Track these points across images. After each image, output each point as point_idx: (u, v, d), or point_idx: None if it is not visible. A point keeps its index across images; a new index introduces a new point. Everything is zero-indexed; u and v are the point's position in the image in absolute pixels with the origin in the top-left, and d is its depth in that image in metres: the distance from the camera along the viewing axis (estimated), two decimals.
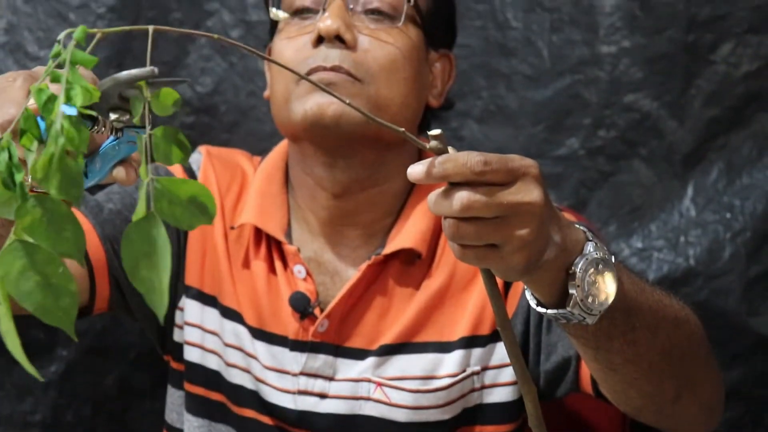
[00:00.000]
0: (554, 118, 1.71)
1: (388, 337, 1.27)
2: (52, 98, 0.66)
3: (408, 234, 1.27)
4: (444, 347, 1.27)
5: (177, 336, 1.35)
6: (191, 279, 1.32)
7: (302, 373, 1.27)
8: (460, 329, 1.26)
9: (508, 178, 0.83)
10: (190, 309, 1.32)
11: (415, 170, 0.83)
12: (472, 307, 1.27)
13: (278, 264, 1.30)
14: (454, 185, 0.83)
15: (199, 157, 1.39)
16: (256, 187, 1.34)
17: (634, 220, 1.70)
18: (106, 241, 1.28)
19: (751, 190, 1.65)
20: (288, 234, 1.31)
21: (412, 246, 1.27)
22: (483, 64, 1.73)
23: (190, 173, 1.37)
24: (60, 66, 0.68)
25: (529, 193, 0.84)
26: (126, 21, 1.78)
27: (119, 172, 0.87)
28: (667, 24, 1.66)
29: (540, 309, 0.94)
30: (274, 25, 1.34)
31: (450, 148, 0.84)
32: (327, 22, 1.23)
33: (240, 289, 1.31)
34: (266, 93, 1.35)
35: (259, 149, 1.80)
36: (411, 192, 1.32)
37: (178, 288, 1.33)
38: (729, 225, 1.65)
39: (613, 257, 0.94)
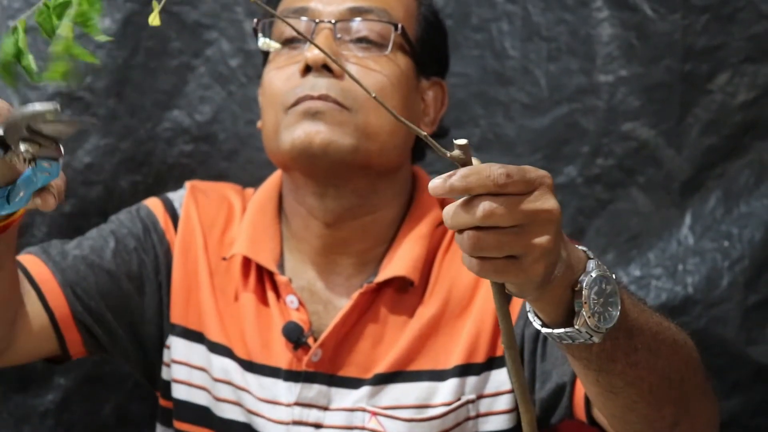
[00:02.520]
0: (552, 147, 1.72)
1: (382, 366, 1.27)
2: None
3: (400, 262, 1.27)
4: (438, 375, 1.27)
5: (165, 374, 1.35)
6: (176, 317, 1.32)
7: (296, 404, 1.27)
8: (455, 357, 1.26)
9: (527, 189, 0.84)
10: (177, 347, 1.32)
11: (437, 184, 0.83)
12: (466, 334, 1.26)
13: (270, 294, 1.30)
14: (474, 196, 0.83)
15: (182, 192, 1.39)
16: (248, 218, 1.34)
17: (632, 248, 1.70)
18: (66, 286, 1.28)
19: (749, 219, 1.65)
20: (280, 264, 1.31)
21: (404, 274, 1.27)
22: (481, 93, 1.73)
23: (171, 209, 1.36)
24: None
25: (546, 201, 0.85)
26: (125, 50, 1.79)
27: (38, 199, 0.90)
28: (664, 53, 1.66)
29: (545, 330, 0.94)
30: (266, 54, 1.35)
31: (474, 159, 0.84)
32: (314, 52, 1.24)
33: (229, 323, 1.30)
34: (259, 123, 1.36)
35: (258, 177, 1.81)
36: (403, 220, 1.32)
37: (164, 326, 1.33)
38: (727, 253, 1.65)
39: (614, 275, 0.94)
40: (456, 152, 0.83)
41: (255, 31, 1.34)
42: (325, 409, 1.27)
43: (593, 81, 1.69)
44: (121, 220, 1.36)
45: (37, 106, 0.83)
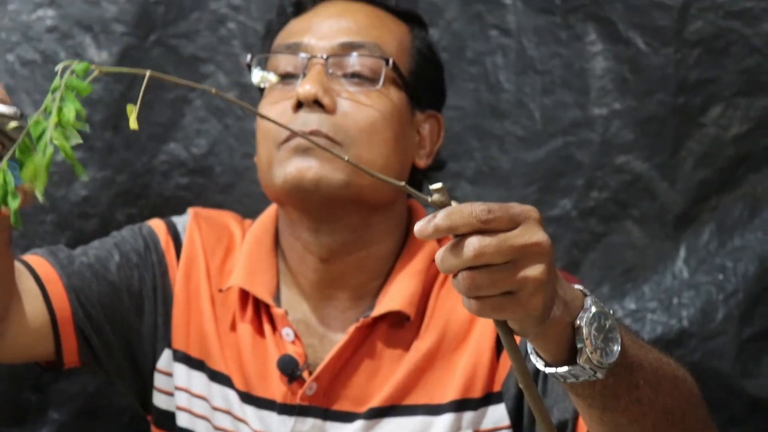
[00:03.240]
0: (546, 179, 1.72)
1: (376, 400, 1.26)
2: None
3: (396, 296, 1.27)
4: (434, 410, 1.26)
5: (158, 400, 1.34)
6: (178, 342, 1.32)
7: None
8: (451, 392, 1.26)
9: (512, 224, 0.85)
10: (178, 373, 1.32)
11: (421, 226, 0.84)
12: (462, 369, 1.26)
13: (267, 327, 1.30)
14: (461, 237, 0.84)
15: (186, 218, 1.39)
16: (246, 250, 1.34)
17: (627, 281, 1.70)
18: (71, 291, 1.28)
19: (743, 252, 1.66)
20: (276, 297, 1.31)
21: (400, 308, 1.27)
22: (475, 126, 1.74)
23: (174, 232, 1.37)
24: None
25: (534, 234, 0.85)
26: (122, 83, 1.80)
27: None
28: (657, 87, 1.67)
29: (548, 369, 0.94)
30: (262, 90, 1.36)
31: (453, 201, 0.85)
32: (306, 87, 1.24)
33: (227, 353, 1.30)
34: (256, 157, 1.36)
35: (254, 211, 1.81)
36: (399, 254, 1.32)
37: (156, 348, 1.33)
38: (722, 286, 1.65)
39: (611, 311, 0.94)
40: (435, 197, 0.85)
41: (248, 66, 1.35)
42: None
43: (587, 114, 1.70)
44: (124, 236, 1.37)
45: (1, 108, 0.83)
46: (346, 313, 1.30)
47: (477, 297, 0.85)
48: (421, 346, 1.27)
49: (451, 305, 1.29)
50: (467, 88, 1.74)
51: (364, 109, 1.26)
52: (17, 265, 1.27)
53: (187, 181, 1.82)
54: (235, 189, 1.82)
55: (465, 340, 1.27)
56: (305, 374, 1.27)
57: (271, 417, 1.28)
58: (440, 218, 0.83)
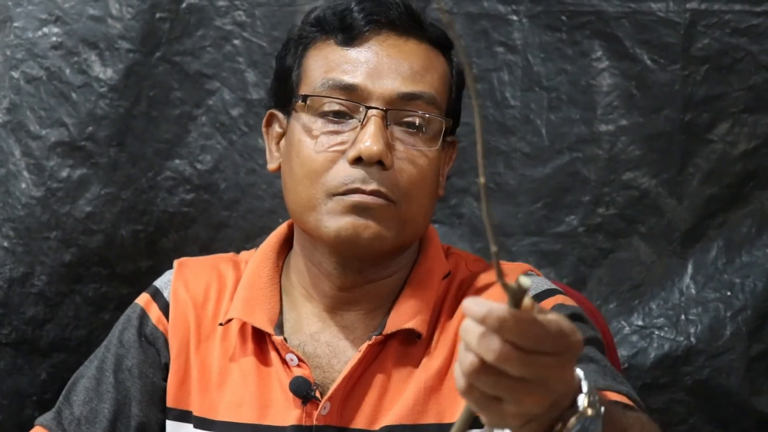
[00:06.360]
0: (553, 196, 1.72)
1: (389, 418, 1.25)
2: None
3: (408, 314, 1.26)
4: (445, 429, 1.25)
5: None
6: (171, 400, 1.30)
7: None
8: (461, 411, 1.24)
9: (556, 349, 0.82)
10: (174, 430, 1.31)
11: (473, 308, 0.80)
12: None
13: (273, 354, 1.28)
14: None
15: (170, 277, 1.37)
16: (245, 280, 1.32)
17: (635, 297, 1.70)
18: None
19: (751, 268, 1.65)
20: (279, 324, 1.29)
21: (412, 327, 1.26)
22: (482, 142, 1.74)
23: (162, 302, 1.34)
24: None
25: (565, 371, 0.83)
26: (127, 100, 1.79)
27: None
28: (664, 103, 1.67)
29: None
30: (283, 92, 1.30)
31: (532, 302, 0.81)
32: (372, 148, 1.20)
33: (216, 393, 1.28)
34: (271, 166, 1.32)
35: (259, 226, 1.81)
36: (411, 272, 1.31)
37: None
38: (729, 303, 1.65)
39: (602, 408, 0.90)
40: (516, 287, 0.80)
41: (287, 72, 1.29)
42: None
43: (594, 130, 1.70)
44: (118, 353, 1.34)
45: None
46: (357, 331, 1.29)
47: (470, 383, 0.83)
48: (432, 364, 1.26)
49: (459, 323, 1.28)
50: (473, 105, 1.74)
51: (417, 166, 1.23)
52: None
53: (192, 197, 1.82)
54: (239, 205, 1.82)
55: None
56: (317, 395, 1.26)
57: None
58: (500, 317, 0.79)
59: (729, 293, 1.65)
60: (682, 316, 1.67)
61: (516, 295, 0.80)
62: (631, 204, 1.69)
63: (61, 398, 1.33)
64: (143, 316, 1.34)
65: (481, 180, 0.84)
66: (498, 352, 0.81)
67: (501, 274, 0.81)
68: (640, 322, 1.68)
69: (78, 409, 1.30)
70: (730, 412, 1.63)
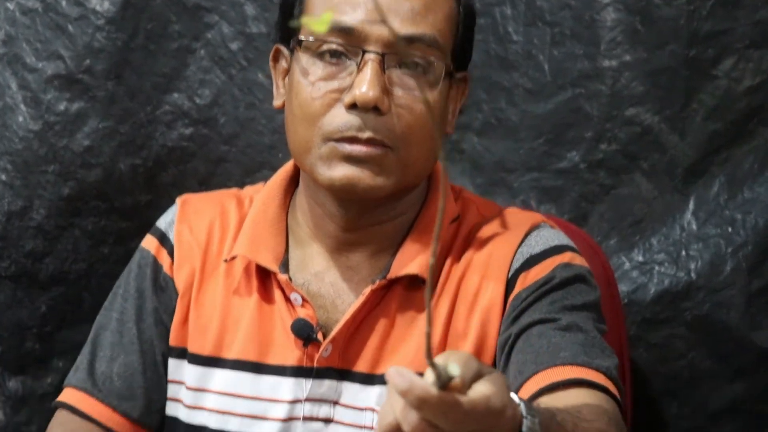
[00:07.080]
0: (555, 132, 1.71)
1: (391, 363, 1.24)
2: None
3: (414, 259, 1.25)
4: None
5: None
6: (173, 339, 1.30)
7: (307, 400, 1.25)
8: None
9: (479, 428, 0.82)
10: (174, 368, 1.31)
11: (397, 378, 0.79)
12: (473, 332, 1.25)
13: (277, 293, 1.27)
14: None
15: (172, 216, 1.36)
16: (251, 217, 1.31)
17: (635, 233, 1.70)
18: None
19: (753, 204, 1.65)
20: (284, 261, 1.28)
21: (417, 272, 1.25)
22: (484, 78, 1.73)
23: (168, 244, 1.33)
24: None
25: None
26: (124, 33, 1.77)
27: None
28: (669, 38, 1.66)
29: None
30: (286, 30, 1.28)
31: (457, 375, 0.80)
32: (368, 94, 1.17)
33: (216, 328, 1.28)
34: (276, 102, 1.30)
35: (258, 161, 1.80)
36: (417, 217, 1.30)
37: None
38: (730, 239, 1.65)
39: None
40: (442, 368, 0.79)
41: (288, 11, 1.27)
42: (335, 404, 1.25)
43: (597, 66, 1.69)
44: (131, 299, 1.33)
45: None
46: (361, 274, 1.28)
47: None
48: (436, 310, 1.26)
49: (464, 267, 1.28)
50: (476, 40, 1.71)
51: (416, 110, 1.20)
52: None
53: (191, 131, 1.80)
54: (238, 140, 1.80)
55: (473, 307, 1.26)
56: (319, 336, 1.25)
57: (281, 383, 1.25)
58: (426, 399, 0.78)
59: (730, 229, 1.65)
60: (683, 252, 1.67)
61: (442, 378, 0.79)
62: (634, 140, 1.68)
63: (86, 355, 1.33)
64: (155, 263, 1.34)
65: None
66: (415, 427, 0.81)
67: (430, 354, 0.79)
68: (640, 258, 1.68)
69: (108, 366, 1.31)
70: (730, 347, 1.64)
